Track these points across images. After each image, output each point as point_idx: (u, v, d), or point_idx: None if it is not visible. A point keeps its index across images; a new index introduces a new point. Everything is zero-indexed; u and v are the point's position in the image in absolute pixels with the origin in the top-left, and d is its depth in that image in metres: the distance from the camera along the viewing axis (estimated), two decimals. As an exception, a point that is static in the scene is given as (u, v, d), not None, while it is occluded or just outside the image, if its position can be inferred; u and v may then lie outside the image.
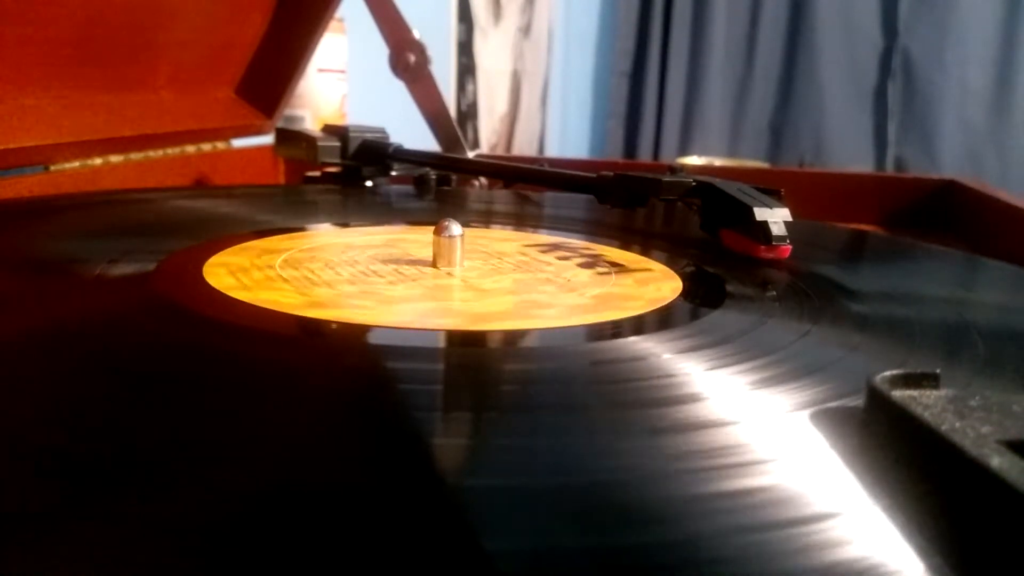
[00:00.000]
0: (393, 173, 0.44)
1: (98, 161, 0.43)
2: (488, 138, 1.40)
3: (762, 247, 0.27)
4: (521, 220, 0.37)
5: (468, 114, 1.30)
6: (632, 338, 0.18)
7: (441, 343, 0.18)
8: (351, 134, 0.43)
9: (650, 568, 0.09)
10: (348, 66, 0.66)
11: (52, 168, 0.40)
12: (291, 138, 0.45)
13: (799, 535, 0.10)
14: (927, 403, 0.11)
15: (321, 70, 0.62)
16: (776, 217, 0.27)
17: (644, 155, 1.88)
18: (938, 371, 0.12)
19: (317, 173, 0.44)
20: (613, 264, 0.26)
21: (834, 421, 0.13)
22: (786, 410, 0.14)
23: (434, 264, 0.24)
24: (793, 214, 0.28)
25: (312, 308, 0.19)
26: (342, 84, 0.65)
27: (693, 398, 0.14)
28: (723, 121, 1.85)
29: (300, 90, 0.59)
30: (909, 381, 0.12)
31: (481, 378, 0.16)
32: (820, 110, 1.78)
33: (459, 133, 0.55)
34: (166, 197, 0.37)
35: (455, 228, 0.24)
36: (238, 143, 0.55)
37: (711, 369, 0.16)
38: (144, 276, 0.22)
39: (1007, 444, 0.10)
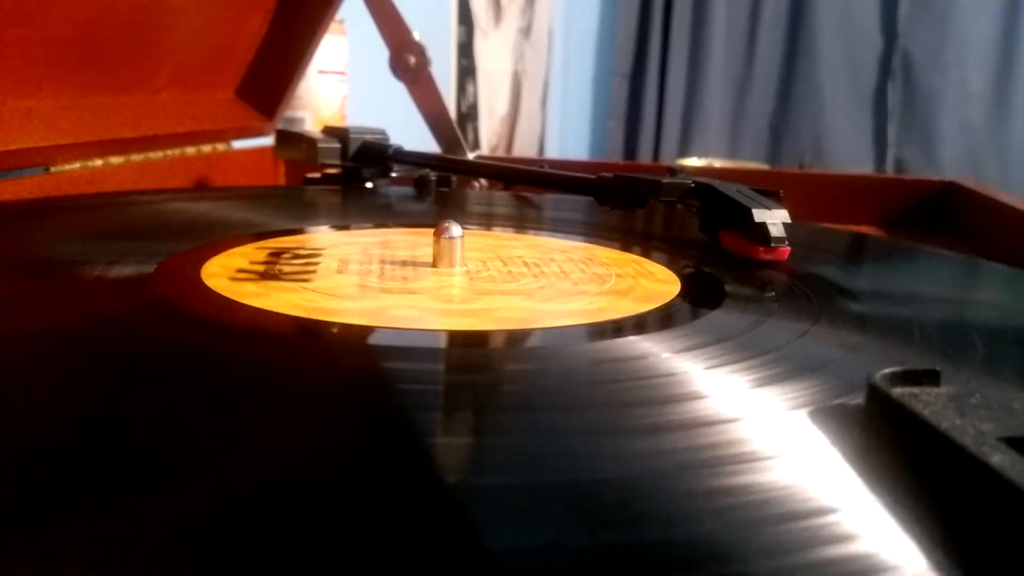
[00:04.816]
0: (393, 174, 0.44)
1: (98, 162, 0.43)
2: (488, 139, 1.40)
3: (761, 248, 0.27)
4: (521, 222, 0.37)
5: (468, 115, 1.30)
6: (632, 337, 0.18)
7: (442, 344, 0.18)
8: (351, 135, 0.43)
9: (652, 565, 0.09)
10: (348, 68, 0.66)
11: (52, 169, 0.40)
12: (291, 140, 0.45)
13: (800, 531, 0.10)
14: (927, 400, 0.11)
15: (321, 71, 0.62)
16: (775, 219, 0.27)
17: (644, 156, 1.88)
18: (938, 369, 0.12)
19: (317, 175, 0.44)
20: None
21: (834, 419, 0.13)
22: (786, 408, 0.14)
23: (434, 265, 0.25)
24: (792, 216, 0.28)
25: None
26: (342, 85, 0.65)
27: (693, 396, 0.14)
28: (723, 122, 1.85)
29: (300, 91, 0.59)
30: (909, 379, 0.12)
31: (482, 378, 0.16)
32: (820, 111, 1.78)
33: (459, 134, 0.55)
34: (166, 199, 0.37)
35: (455, 230, 0.24)
36: (238, 145, 0.55)
37: (711, 368, 0.16)
38: (143, 278, 0.22)
39: (1007, 441, 0.10)
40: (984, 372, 0.17)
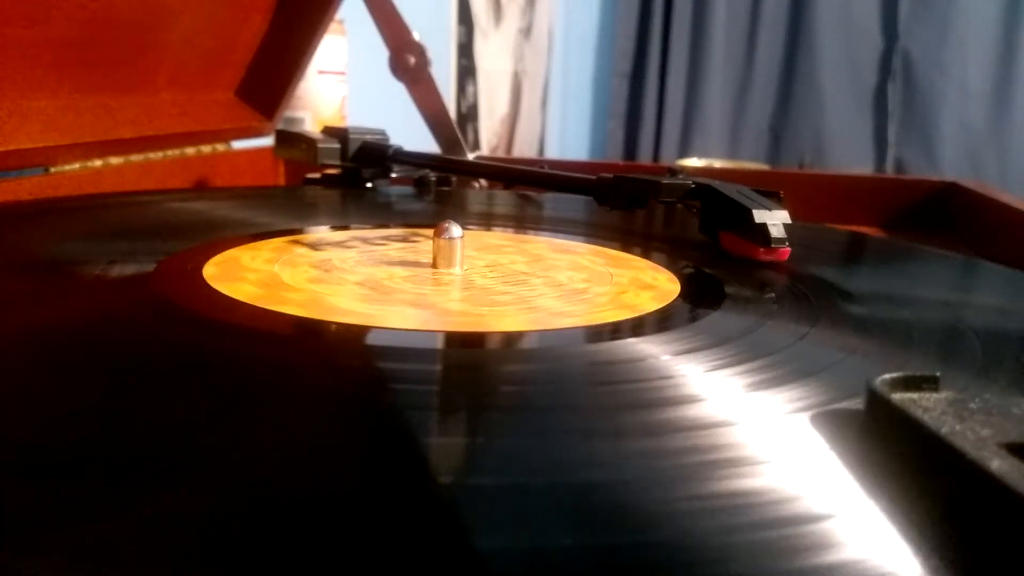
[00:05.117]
0: (393, 175, 0.44)
1: (98, 163, 0.43)
2: (488, 140, 1.40)
3: (761, 249, 0.27)
4: (521, 222, 0.37)
5: (468, 116, 1.30)
6: (631, 339, 0.18)
7: (440, 344, 0.18)
8: (351, 136, 0.43)
9: (647, 567, 0.09)
10: (348, 68, 0.66)
11: (52, 170, 0.40)
12: (291, 140, 0.45)
13: (798, 535, 0.10)
14: (927, 406, 0.11)
15: (321, 72, 0.62)
16: (775, 219, 0.27)
17: (644, 157, 1.88)
18: (938, 374, 0.12)
19: (317, 175, 0.44)
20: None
21: (834, 423, 0.13)
22: (785, 412, 0.14)
23: (434, 265, 0.25)
24: (792, 216, 0.28)
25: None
26: (342, 86, 0.65)
27: (691, 399, 0.14)
28: (723, 123, 1.85)
29: (300, 92, 0.59)
30: (909, 384, 0.12)
31: (480, 379, 0.16)
32: (820, 111, 1.78)
33: (459, 135, 0.55)
34: (166, 199, 0.37)
35: (455, 230, 0.24)
36: (238, 145, 0.55)
37: (710, 370, 0.16)
38: (144, 277, 0.22)
39: (1007, 447, 0.10)
40: (984, 376, 0.17)
